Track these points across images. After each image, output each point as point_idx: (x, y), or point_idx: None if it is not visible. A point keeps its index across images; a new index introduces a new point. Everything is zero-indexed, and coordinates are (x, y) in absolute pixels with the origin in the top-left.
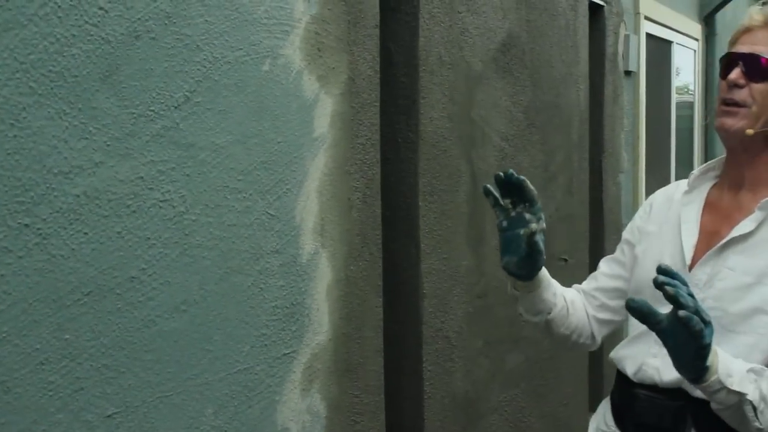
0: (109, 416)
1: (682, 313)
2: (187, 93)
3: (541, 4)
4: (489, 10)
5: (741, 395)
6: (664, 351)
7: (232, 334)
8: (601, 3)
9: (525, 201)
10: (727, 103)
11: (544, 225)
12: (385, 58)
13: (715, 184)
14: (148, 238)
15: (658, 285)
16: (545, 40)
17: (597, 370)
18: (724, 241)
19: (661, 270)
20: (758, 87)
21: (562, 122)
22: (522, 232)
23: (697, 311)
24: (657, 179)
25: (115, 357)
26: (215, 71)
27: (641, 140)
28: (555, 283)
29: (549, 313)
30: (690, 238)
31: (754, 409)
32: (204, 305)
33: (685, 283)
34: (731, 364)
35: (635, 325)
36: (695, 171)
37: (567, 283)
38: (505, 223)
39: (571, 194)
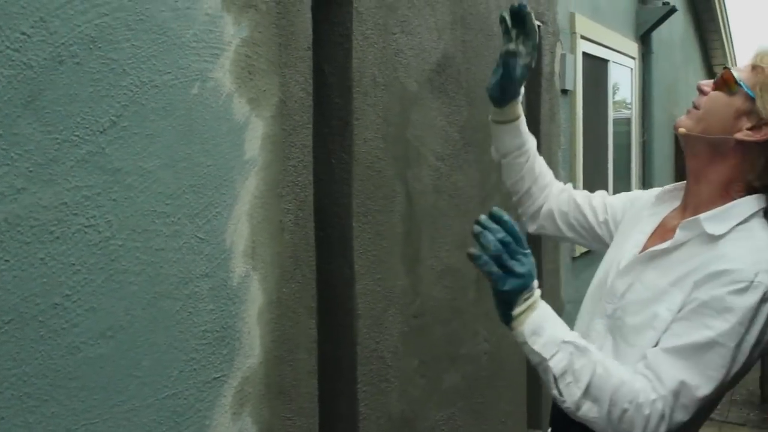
0: None
1: (473, 253)
2: (113, 117)
3: (477, 25)
4: (423, 31)
5: (542, 358)
6: None
7: (161, 359)
8: (537, 23)
9: (525, 34)
10: (693, 105)
11: (529, 59)
12: (319, 79)
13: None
14: (73, 264)
15: (475, 234)
16: (481, 60)
17: (535, 387)
18: (637, 255)
19: (490, 214)
20: (712, 94)
21: None
22: (502, 51)
23: (499, 257)
24: None
25: (37, 385)
26: (142, 95)
27: (578, 157)
28: (530, 139)
29: (516, 152)
30: (633, 249)
31: (555, 378)
32: (131, 331)
33: (513, 232)
34: (545, 324)
35: None
36: (667, 186)
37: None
38: (503, 50)
39: (508, 211)
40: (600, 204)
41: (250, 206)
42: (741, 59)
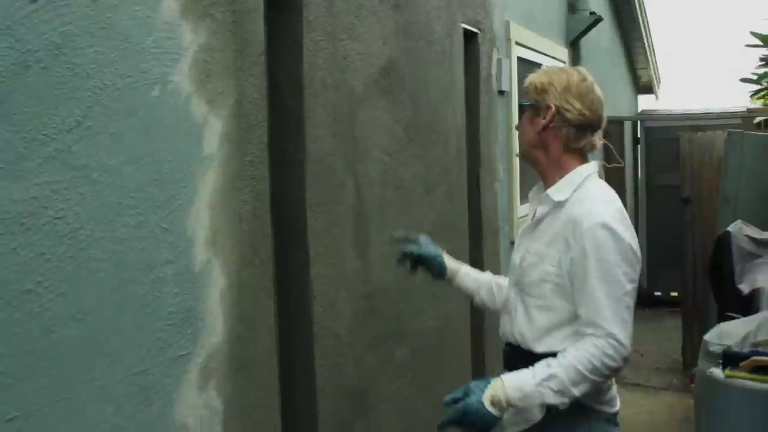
0: (9, 420)
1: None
2: (78, 118)
3: (419, 33)
4: (370, 38)
5: (542, 402)
6: (509, 318)
7: (129, 340)
8: (475, 30)
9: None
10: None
11: (420, 249)
12: (273, 82)
13: None
14: (43, 253)
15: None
16: (423, 65)
17: (479, 357)
18: (519, 231)
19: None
20: (521, 123)
21: (440, 138)
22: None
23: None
24: (531, 187)
25: (13, 365)
26: (106, 97)
27: (515, 153)
28: (477, 274)
29: (475, 297)
30: (520, 234)
31: (561, 402)
32: (100, 314)
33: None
34: (516, 394)
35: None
36: (534, 188)
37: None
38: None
39: (451, 202)
40: None
41: (210, 198)
42: (661, 63)
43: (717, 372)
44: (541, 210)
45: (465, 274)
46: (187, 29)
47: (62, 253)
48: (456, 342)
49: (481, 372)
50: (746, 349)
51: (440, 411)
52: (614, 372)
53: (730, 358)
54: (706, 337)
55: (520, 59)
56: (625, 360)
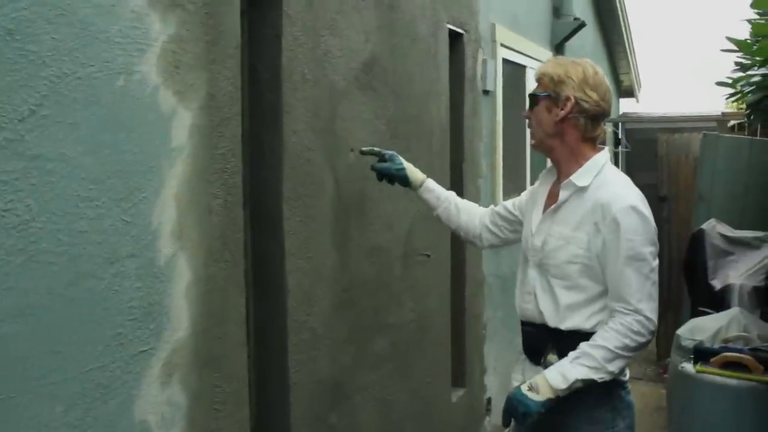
0: None
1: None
2: (32, 106)
3: (403, 30)
4: (351, 33)
5: (583, 381)
6: (533, 298)
7: (84, 335)
8: (460, 31)
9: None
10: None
11: (384, 164)
12: (252, 76)
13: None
14: None
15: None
16: (407, 61)
17: (459, 350)
18: (540, 216)
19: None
20: (533, 112)
21: (424, 133)
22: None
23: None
24: (514, 184)
25: None
26: (64, 86)
27: (498, 150)
28: (440, 192)
29: (434, 211)
30: (536, 217)
31: (601, 376)
32: (52, 309)
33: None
34: (556, 376)
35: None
36: (543, 171)
37: (431, 275)
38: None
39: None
40: (510, 204)
41: (177, 191)
42: (642, 67)
43: (688, 367)
44: (563, 194)
45: (427, 188)
46: (156, 19)
47: (11, 246)
48: (436, 334)
49: (462, 367)
50: (717, 345)
51: (418, 401)
52: (643, 345)
53: (701, 354)
54: (679, 331)
55: (505, 61)
56: (652, 333)
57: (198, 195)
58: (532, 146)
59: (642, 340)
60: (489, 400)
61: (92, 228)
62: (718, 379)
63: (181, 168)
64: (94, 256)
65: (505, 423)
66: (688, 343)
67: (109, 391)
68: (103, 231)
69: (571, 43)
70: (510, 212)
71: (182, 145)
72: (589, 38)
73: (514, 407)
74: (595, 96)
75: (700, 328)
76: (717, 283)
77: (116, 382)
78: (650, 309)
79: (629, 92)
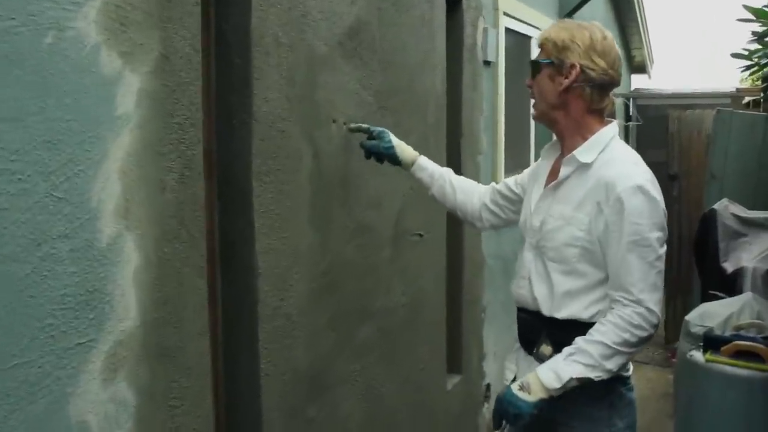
0: None
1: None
2: None
3: None
4: None
5: (578, 380)
6: (527, 282)
7: (5, 327)
8: None
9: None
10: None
11: (372, 142)
12: (219, 38)
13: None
14: None
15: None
16: (398, 28)
17: (455, 335)
18: (540, 193)
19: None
20: (535, 81)
21: (417, 106)
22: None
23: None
24: (516, 161)
25: None
26: None
27: (500, 125)
28: (434, 169)
29: (429, 191)
30: (536, 195)
31: (598, 374)
32: None
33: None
34: (548, 375)
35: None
36: (546, 145)
37: (425, 257)
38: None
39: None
40: (511, 181)
41: (122, 164)
42: (655, 43)
43: (697, 355)
44: (564, 171)
45: (419, 167)
46: None
47: None
48: (429, 318)
49: (458, 353)
50: (728, 332)
51: (409, 391)
52: (645, 341)
53: (711, 342)
54: (688, 317)
55: (508, 30)
56: (655, 326)
57: (149, 169)
58: (534, 118)
59: (643, 334)
60: (488, 387)
61: (14, 205)
62: (729, 369)
63: (128, 138)
64: (17, 237)
65: (496, 425)
66: (698, 330)
67: (37, 389)
68: (27, 209)
69: (580, 15)
70: (511, 190)
71: (129, 112)
72: (599, 11)
73: (505, 409)
74: (602, 63)
75: (711, 314)
76: (729, 266)
77: (46, 379)
78: (653, 300)
79: (641, 68)
